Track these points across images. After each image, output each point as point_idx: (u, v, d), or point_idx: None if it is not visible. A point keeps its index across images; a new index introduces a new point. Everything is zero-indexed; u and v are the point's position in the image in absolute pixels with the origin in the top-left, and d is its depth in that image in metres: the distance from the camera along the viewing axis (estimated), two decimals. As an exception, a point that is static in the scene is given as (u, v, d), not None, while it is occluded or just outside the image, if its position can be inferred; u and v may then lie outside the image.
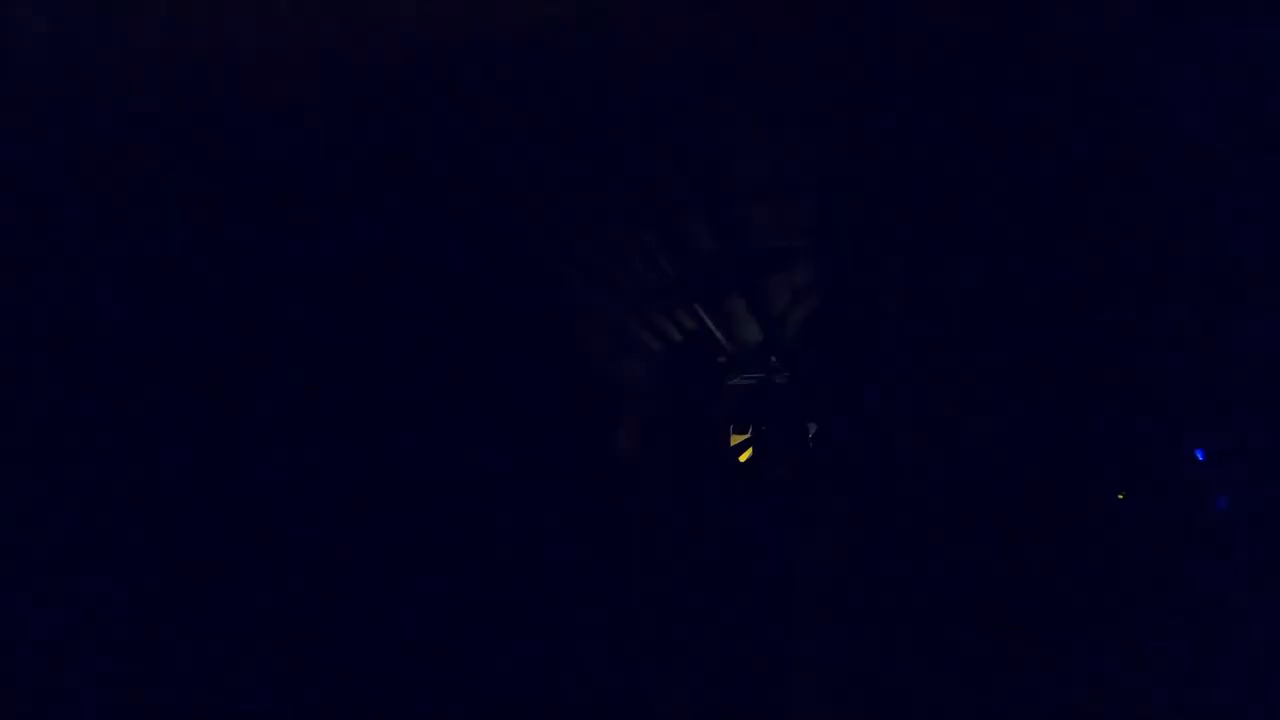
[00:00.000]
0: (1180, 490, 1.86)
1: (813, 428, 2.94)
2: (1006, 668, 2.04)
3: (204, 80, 1.49)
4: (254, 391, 1.57)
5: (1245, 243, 1.87)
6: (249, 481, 1.56)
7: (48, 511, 1.16)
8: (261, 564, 1.60)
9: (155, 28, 1.31)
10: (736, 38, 2.18)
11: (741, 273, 3.64)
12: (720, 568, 2.59)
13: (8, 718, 1.14)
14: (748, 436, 3.08)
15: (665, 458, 2.21)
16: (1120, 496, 2.08)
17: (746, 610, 2.67)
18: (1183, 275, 1.99)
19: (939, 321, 2.76)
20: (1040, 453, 2.11)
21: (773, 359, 5.39)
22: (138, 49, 1.28)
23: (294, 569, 1.65)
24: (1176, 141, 1.96)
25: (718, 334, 5.10)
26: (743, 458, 3.43)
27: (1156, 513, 1.91)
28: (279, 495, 1.65)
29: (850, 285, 2.93)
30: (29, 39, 1.10)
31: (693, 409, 2.42)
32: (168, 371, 1.36)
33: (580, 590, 1.96)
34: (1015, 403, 2.16)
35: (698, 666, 2.15)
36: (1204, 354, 1.86)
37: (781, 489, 3.03)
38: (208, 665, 1.39)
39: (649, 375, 2.36)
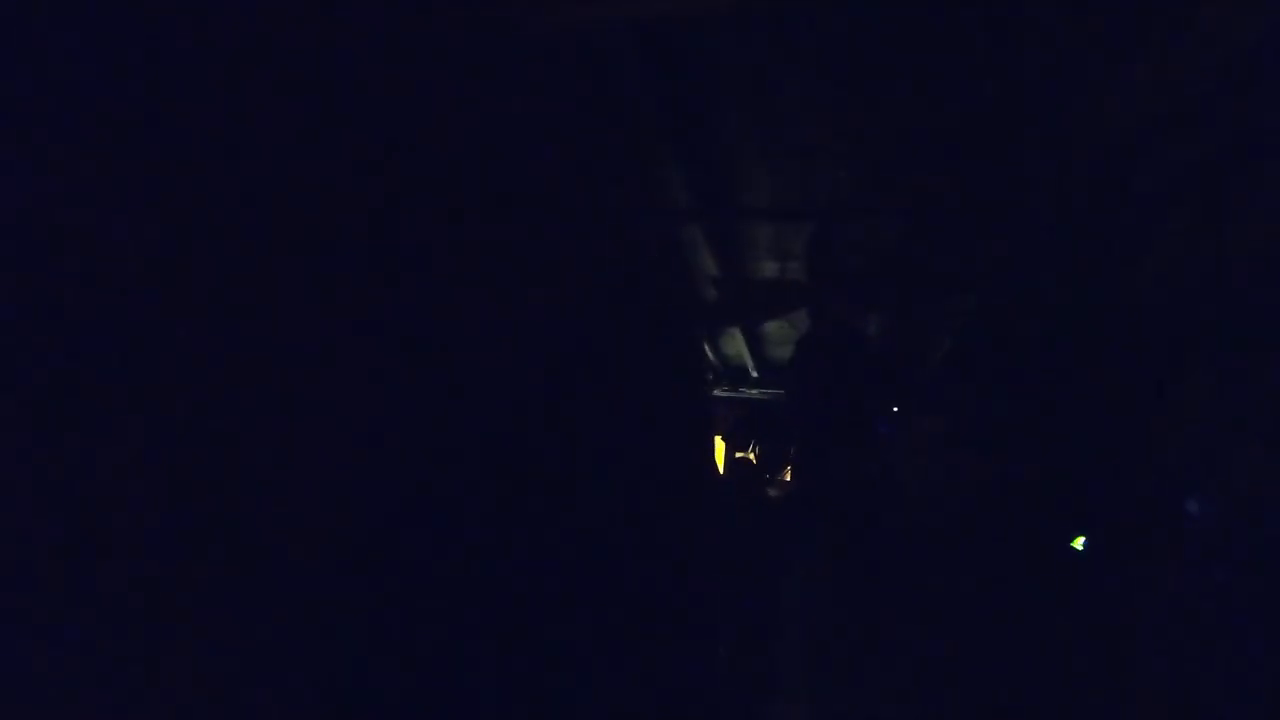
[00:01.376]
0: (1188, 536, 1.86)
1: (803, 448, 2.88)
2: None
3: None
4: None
5: None
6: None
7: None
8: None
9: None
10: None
11: (755, 293, 3.60)
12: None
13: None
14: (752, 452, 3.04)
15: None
16: (1076, 543, 2.06)
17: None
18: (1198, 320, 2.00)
19: (948, 349, 2.76)
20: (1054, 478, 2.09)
21: (754, 374, 5.39)
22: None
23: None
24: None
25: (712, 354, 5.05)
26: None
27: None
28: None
29: (861, 310, 2.91)
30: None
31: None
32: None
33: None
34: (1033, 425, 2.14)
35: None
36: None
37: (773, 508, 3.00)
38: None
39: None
